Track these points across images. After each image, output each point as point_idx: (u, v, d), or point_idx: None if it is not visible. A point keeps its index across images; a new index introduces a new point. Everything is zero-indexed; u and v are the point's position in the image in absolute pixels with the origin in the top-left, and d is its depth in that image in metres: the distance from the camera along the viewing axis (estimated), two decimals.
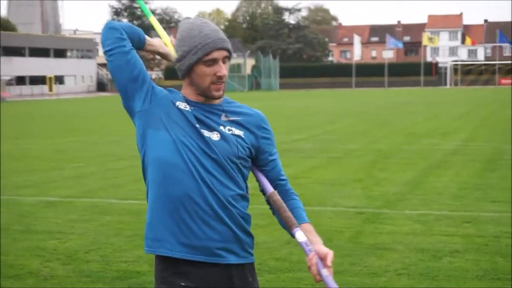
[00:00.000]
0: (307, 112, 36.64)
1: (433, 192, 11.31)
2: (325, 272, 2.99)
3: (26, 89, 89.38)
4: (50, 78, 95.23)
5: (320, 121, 29.59)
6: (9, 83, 78.60)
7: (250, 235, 3.16)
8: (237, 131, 3.09)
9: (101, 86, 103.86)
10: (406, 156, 16.20)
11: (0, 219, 9.79)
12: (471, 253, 7.47)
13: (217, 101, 3.11)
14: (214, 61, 3.05)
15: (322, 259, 2.94)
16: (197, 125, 3.03)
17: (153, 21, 3.51)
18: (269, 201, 3.15)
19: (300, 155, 16.85)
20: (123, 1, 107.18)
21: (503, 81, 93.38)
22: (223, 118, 3.10)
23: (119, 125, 26.10)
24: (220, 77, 3.05)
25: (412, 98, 55.32)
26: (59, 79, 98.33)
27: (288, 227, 3.07)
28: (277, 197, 3.13)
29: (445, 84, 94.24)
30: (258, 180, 3.20)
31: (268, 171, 3.21)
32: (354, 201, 10.67)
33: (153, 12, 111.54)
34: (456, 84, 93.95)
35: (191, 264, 3.02)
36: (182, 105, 3.05)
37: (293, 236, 3.09)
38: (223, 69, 3.06)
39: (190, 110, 3.04)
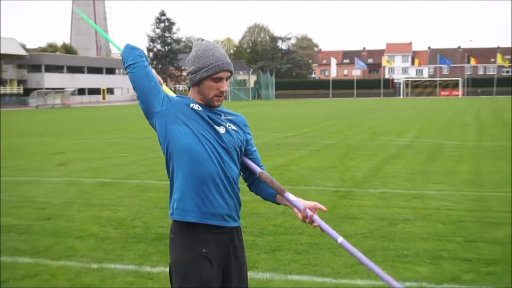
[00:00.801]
0: (296, 116, 36.59)
1: (390, 176, 11.34)
2: (322, 222, 3.02)
3: (85, 98, 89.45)
4: (103, 90, 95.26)
5: (305, 122, 29.55)
6: (72, 93, 78.58)
7: (241, 205, 3.17)
8: (234, 127, 3.14)
9: None
10: (370, 149, 16.19)
11: (67, 195, 9.87)
12: (418, 221, 7.53)
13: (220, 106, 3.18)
14: (220, 79, 3.07)
15: (312, 208, 3.00)
16: (210, 121, 3.07)
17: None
18: (264, 178, 3.18)
19: (290, 148, 16.86)
20: (156, 31, 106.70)
21: (442, 93, 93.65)
22: (223, 117, 3.14)
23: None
24: (222, 92, 3.11)
25: (374, 106, 55.27)
26: (110, 90, 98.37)
27: (279, 193, 3.11)
28: (266, 174, 3.18)
29: (399, 95, 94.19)
30: (247, 164, 3.23)
31: (254, 159, 3.25)
32: (331, 182, 10.69)
33: (179, 40, 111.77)
34: (407, 95, 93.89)
35: (208, 230, 3.02)
36: (195, 106, 3.08)
37: (283, 199, 3.14)
38: (225, 86, 3.10)
39: (202, 110, 3.07)
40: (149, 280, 5.52)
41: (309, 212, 2.99)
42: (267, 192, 3.25)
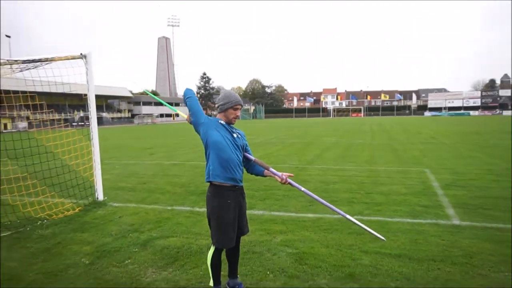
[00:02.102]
0: (274, 127, 36.51)
1: (326, 159, 11.25)
2: (292, 181, 3.13)
3: (164, 119, 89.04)
4: (173, 114, 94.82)
5: (279, 130, 29.48)
6: (157, 116, 78.57)
7: (242, 174, 3.17)
8: (240, 136, 3.15)
9: None
10: (315, 145, 16.11)
11: (155, 170, 9.82)
12: (341, 183, 7.46)
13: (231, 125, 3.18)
14: (237, 109, 3.13)
15: (285, 175, 3.09)
16: (229, 131, 3.08)
17: (167, 104, 3.74)
18: (256, 161, 3.18)
19: (272, 144, 16.76)
20: (201, 83, 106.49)
21: (353, 115, 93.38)
22: (234, 130, 3.16)
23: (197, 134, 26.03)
24: (237, 116, 3.15)
25: (317, 122, 55.20)
26: (177, 115, 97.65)
27: (266, 168, 3.16)
28: (258, 160, 3.20)
29: (330, 116, 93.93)
30: (246, 156, 3.21)
31: (249, 153, 3.24)
32: (294, 162, 10.61)
33: (213, 88, 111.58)
34: (334, 116, 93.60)
35: (229, 189, 3.02)
36: (222, 122, 3.10)
37: (269, 172, 3.15)
38: (239, 113, 3.15)
39: (225, 124, 3.08)
40: (197, 215, 5.50)
41: (284, 177, 3.06)
42: (258, 170, 3.25)
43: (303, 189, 3.17)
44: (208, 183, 3.11)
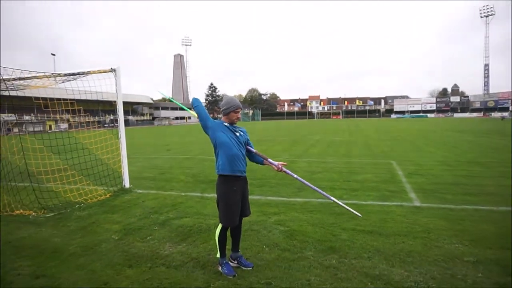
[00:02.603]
0: (269, 127, 36.42)
1: (311, 153, 11.19)
2: (286, 169, 3.12)
3: (178, 121, 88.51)
4: (186, 117, 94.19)
5: (273, 130, 29.40)
6: (173, 119, 78.11)
7: (246, 166, 3.12)
8: (242, 133, 3.11)
9: None
10: (302, 142, 16.06)
11: (170, 164, 9.76)
12: (324, 173, 7.43)
13: (234, 125, 3.11)
14: (237, 112, 3.06)
15: (280, 164, 3.08)
16: (233, 131, 3.04)
17: (181, 105, 3.65)
18: (256, 153, 3.15)
19: (267, 141, 16.67)
20: (209, 92, 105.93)
21: (333, 117, 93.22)
22: (237, 129, 3.11)
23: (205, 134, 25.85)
24: (238, 118, 3.10)
25: (304, 123, 55.08)
26: (189, 117, 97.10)
27: (264, 158, 3.13)
28: (258, 152, 3.17)
29: (315, 118, 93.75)
30: (248, 149, 3.18)
31: (250, 146, 3.20)
32: (286, 156, 10.56)
33: (219, 95, 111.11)
34: (318, 118, 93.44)
35: (236, 179, 3.01)
36: (226, 124, 3.05)
37: (267, 162, 3.12)
38: (239, 115, 3.10)
39: (229, 126, 3.04)
40: (206, 200, 5.47)
41: (280, 166, 3.06)
42: (258, 159, 3.24)
43: (296, 176, 3.20)
44: (217, 175, 3.09)
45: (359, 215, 3.11)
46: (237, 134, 3.12)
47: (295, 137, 19.80)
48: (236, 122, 3.19)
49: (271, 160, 3.17)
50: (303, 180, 3.19)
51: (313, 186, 3.19)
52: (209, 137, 3.10)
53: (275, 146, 14.11)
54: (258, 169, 8.03)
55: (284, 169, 3.14)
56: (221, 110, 3.15)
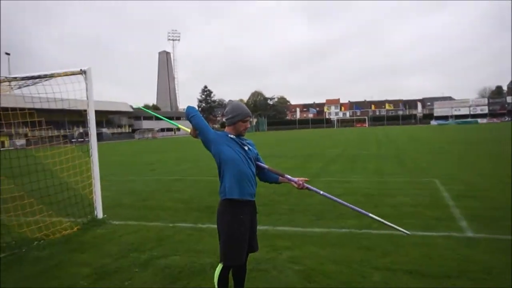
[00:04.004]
0: (278, 140, 36.50)
1: (331, 171, 11.18)
2: (309, 185, 3.16)
3: (164, 133, 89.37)
4: (174, 129, 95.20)
5: (282, 143, 29.48)
6: (158, 131, 78.81)
7: (256, 187, 3.12)
8: (250, 147, 3.12)
9: None
10: (319, 157, 16.06)
11: (153, 187, 9.76)
12: (348, 195, 7.37)
13: (240, 136, 3.11)
14: (246, 121, 3.07)
15: (301, 180, 3.13)
16: (241, 144, 3.05)
17: (174, 122, 3.70)
18: (270, 169, 3.19)
19: (276, 157, 16.69)
20: (202, 96, 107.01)
21: (357, 125, 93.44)
22: (245, 142, 3.11)
23: (200, 148, 25.98)
24: (247, 128, 3.10)
25: (321, 133, 55.18)
26: (178, 129, 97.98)
27: (281, 175, 3.18)
28: (272, 168, 3.20)
29: (334, 127, 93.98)
30: (259, 165, 3.20)
31: (261, 162, 3.22)
32: (298, 175, 10.52)
33: (214, 101, 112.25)
34: (338, 127, 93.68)
35: (244, 204, 2.99)
36: (231, 136, 3.05)
37: (284, 178, 3.19)
38: (249, 124, 3.11)
39: (235, 138, 3.04)
40: (201, 232, 5.42)
41: (301, 182, 3.11)
42: (273, 177, 3.25)
43: (322, 192, 3.20)
44: (221, 200, 3.07)
45: (407, 232, 3.01)
46: (246, 148, 3.12)
47: (310, 150, 19.79)
48: (245, 134, 3.19)
49: (289, 176, 3.18)
50: (333, 197, 3.19)
51: (344, 202, 3.19)
52: (211, 153, 3.08)
53: (285, 163, 14.10)
54: (265, 192, 7.98)
55: (306, 185, 3.14)
56: (225, 119, 3.14)
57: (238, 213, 2.97)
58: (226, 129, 3.16)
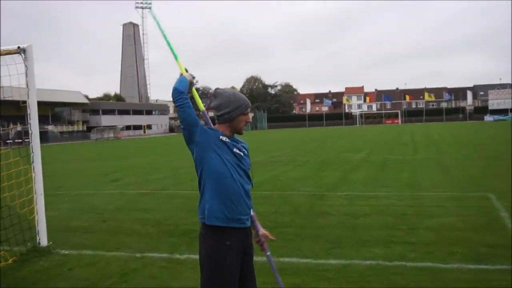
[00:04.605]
0: (282, 141, 36.60)
1: (352, 182, 11.25)
2: (268, 249, 3.24)
3: (131, 132, 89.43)
4: (144, 126, 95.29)
5: (289, 145, 29.57)
6: (121, 129, 78.77)
7: (251, 208, 3.11)
8: (245, 152, 3.09)
9: (171, 129, 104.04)
10: (336, 163, 16.13)
11: (117, 203, 9.76)
12: (374, 215, 7.43)
13: (235, 136, 3.09)
14: (247, 113, 3.07)
15: (264, 235, 3.22)
16: (234, 150, 3.00)
17: (179, 63, 3.52)
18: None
19: (279, 164, 16.76)
20: None
21: (386, 121, 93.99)
22: (239, 145, 3.08)
23: (179, 151, 25.97)
24: (248, 122, 3.11)
25: (338, 132, 55.35)
26: (149, 126, 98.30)
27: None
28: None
29: (356, 124, 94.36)
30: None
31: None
32: (309, 188, 10.59)
33: (197, 90, 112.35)
34: (362, 124, 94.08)
35: (231, 230, 2.96)
36: (224, 138, 3.00)
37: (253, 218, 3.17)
38: (250, 118, 3.14)
39: (229, 141, 3.00)
40: (178, 265, 5.41)
41: (262, 237, 3.18)
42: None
43: (268, 253, 3.27)
44: (201, 223, 3.03)
45: None
46: (241, 152, 3.09)
47: (325, 155, 19.87)
48: (243, 132, 3.17)
49: (255, 219, 3.26)
50: (274, 267, 3.33)
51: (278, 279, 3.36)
52: (192, 156, 3.05)
53: (292, 171, 14.14)
54: (264, 210, 7.98)
55: (265, 245, 3.21)
56: (218, 115, 3.10)
57: (223, 239, 2.94)
58: (218, 126, 3.11)
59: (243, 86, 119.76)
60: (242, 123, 3.07)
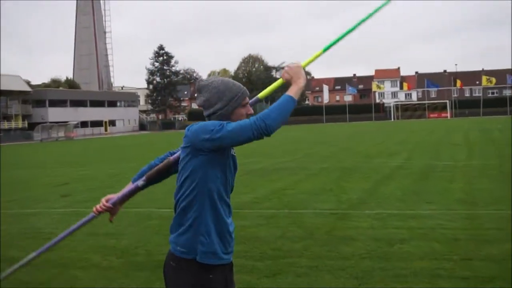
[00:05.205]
0: (291, 141, 36.60)
1: (384, 196, 11.26)
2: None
3: (88, 130, 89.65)
4: (105, 122, 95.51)
5: (301, 147, 29.57)
6: (75, 126, 78.74)
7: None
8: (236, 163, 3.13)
9: (142, 127, 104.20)
10: (364, 171, 16.12)
11: (71, 226, 9.75)
12: (414, 241, 7.43)
13: None
14: (246, 104, 3.06)
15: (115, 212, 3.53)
16: (234, 163, 3.07)
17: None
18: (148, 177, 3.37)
19: (287, 172, 16.77)
20: (156, 65, 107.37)
21: (431, 115, 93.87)
22: (235, 154, 3.12)
23: (153, 155, 25.90)
24: (250, 114, 3.05)
25: (366, 129, 55.43)
26: (112, 122, 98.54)
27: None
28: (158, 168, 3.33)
29: (390, 119, 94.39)
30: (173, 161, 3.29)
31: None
32: (328, 205, 10.59)
33: (177, 72, 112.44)
34: (397, 118, 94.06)
35: (219, 269, 2.98)
36: (232, 151, 3.06)
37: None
38: (251, 109, 3.11)
39: (232, 150, 3.06)
40: None
41: (102, 206, 3.40)
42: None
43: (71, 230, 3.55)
44: (184, 260, 3.02)
45: None
46: (235, 163, 3.14)
47: (348, 161, 19.91)
48: None
49: (126, 191, 3.39)
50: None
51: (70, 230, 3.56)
52: (184, 164, 2.97)
53: (304, 182, 14.18)
54: (266, 234, 7.96)
55: (97, 208, 3.40)
56: (210, 113, 2.99)
57: (205, 272, 2.95)
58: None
59: (238, 69, 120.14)
60: (242, 118, 2.99)
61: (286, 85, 3.14)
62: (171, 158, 3.25)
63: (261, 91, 3.43)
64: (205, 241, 2.91)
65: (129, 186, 3.34)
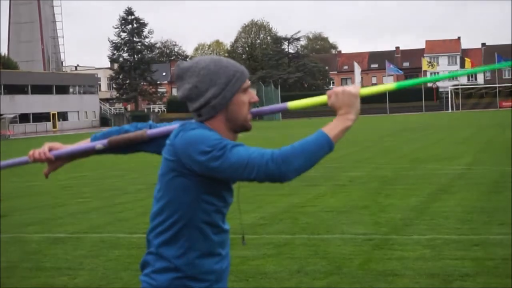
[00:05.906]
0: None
1: (440, 216, 11.24)
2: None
3: (30, 126, 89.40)
4: (53, 115, 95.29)
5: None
6: (12, 121, 78.68)
7: None
8: None
9: (104, 121, 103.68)
10: (411, 181, 16.14)
11: (7, 257, 9.78)
12: (481, 276, 7.42)
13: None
14: (246, 88, 2.96)
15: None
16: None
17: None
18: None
19: (306, 183, 16.63)
20: (122, 36, 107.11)
21: (504, 103, 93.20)
22: None
23: (121, 159, 25.91)
24: (253, 103, 2.99)
25: (414, 124, 55.20)
26: (63, 115, 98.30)
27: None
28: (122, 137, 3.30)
29: (447, 109, 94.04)
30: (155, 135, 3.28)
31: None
32: (361, 228, 10.60)
33: (152, 46, 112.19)
34: (457, 108, 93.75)
35: None
36: None
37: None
38: (254, 94, 3.03)
39: None
40: None
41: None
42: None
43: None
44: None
45: None
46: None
47: (389, 167, 19.91)
48: (251, 125, 2.98)
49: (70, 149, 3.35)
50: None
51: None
52: (169, 176, 2.96)
53: (328, 197, 14.24)
54: (280, 265, 8.00)
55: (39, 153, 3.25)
56: (197, 107, 2.95)
57: None
58: (212, 126, 3.00)
59: (236, 41, 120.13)
60: (243, 108, 2.92)
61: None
62: (149, 132, 3.21)
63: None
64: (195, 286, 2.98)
65: (85, 143, 3.35)
